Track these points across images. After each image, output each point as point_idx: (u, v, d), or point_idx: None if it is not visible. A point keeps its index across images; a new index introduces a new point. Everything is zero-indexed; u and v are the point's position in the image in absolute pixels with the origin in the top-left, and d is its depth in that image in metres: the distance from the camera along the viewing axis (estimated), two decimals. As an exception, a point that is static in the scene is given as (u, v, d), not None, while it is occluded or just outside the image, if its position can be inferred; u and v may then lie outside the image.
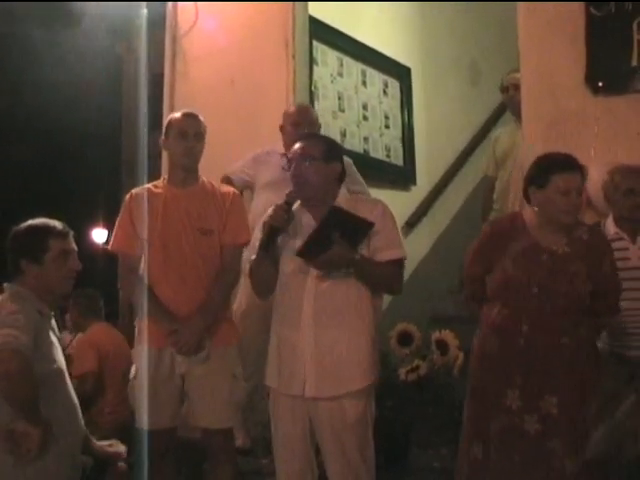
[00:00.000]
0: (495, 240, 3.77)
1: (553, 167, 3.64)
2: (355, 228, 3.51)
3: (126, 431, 4.48)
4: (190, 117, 4.17)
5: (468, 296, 3.95)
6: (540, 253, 3.64)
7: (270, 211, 3.61)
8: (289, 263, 3.62)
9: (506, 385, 3.60)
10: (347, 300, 3.57)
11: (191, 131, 4.12)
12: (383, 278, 3.64)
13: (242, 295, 4.85)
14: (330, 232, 3.43)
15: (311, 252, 3.49)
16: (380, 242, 3.59)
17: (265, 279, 3.71)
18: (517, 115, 5.74)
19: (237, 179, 5.16)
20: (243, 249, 4.10)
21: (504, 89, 6.15)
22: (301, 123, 5.07)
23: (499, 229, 3.83)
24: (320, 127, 5.25)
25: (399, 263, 3.67)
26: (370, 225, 3.51)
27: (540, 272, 3.61)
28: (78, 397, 5.46)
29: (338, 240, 3.42)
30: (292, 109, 5.25)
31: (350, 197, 3.79)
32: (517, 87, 5.64)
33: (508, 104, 6.24)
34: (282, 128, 5.18)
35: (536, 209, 3.67)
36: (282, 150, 4.85)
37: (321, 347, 3.53)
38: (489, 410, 3.65)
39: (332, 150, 3.70)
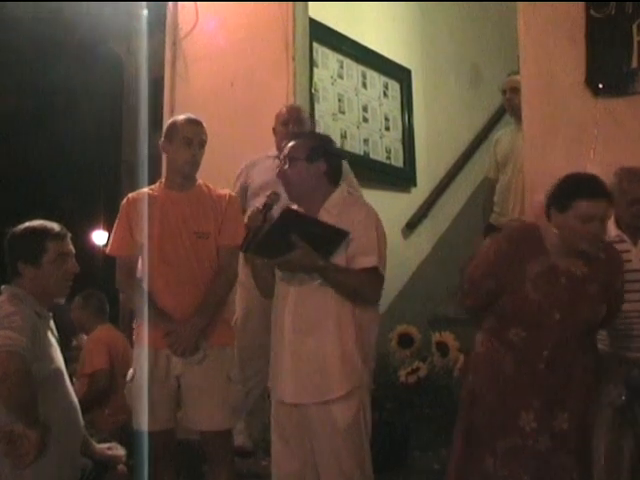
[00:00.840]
0: (511, 257, 3.53)
1: (577, 191, 3.40)
2: (325, 235, 3.46)
3: (125, 434, 4.48)
4: (194, 124, 4.16)
5: (469, 305, 3.76)
6: (559, 276, 3.47)
7: (248, 213, 3.61)
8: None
9: (520, 407, 3.46)
10: (325, 308, 3.51)
11: (196, 139, 4.12)
12: (355, 287, 3.51)
13: (239, 300, 4.87)
14: (285, 233, 3.39)
15: (267, 251, 3.50)
16: (355, 249, 3.49)
17: (262, 282, 3.71)
18: (516, 117, 5.75)
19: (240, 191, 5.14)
20: (239, 251, 4.11)
21: (504, 91, 6.16)
22: (289, 121, 5.12)
23: (516, 247, 3.56)
24: (313, 126, 5.27)
25: (374, 271, 3.51)
26: (344, 234, 3.46)
27: (561, 297, 3.44)
28: (90, 395, 5.47)
29: (299, 243, 3.38)
30: (282, 109, 5.28)
31: (344, 198, 3.71)
32: (515, 90, 5.67)
33: (507, 107, 6.24)
34: (274, 130, 5.23)
35: (556, 231, 3.47)
36: (275, 153, 4.91)
37: (299, 354, 3.51)
38: (497, 428, 3.51)
39: (316, 149, 3.65)
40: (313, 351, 3.49)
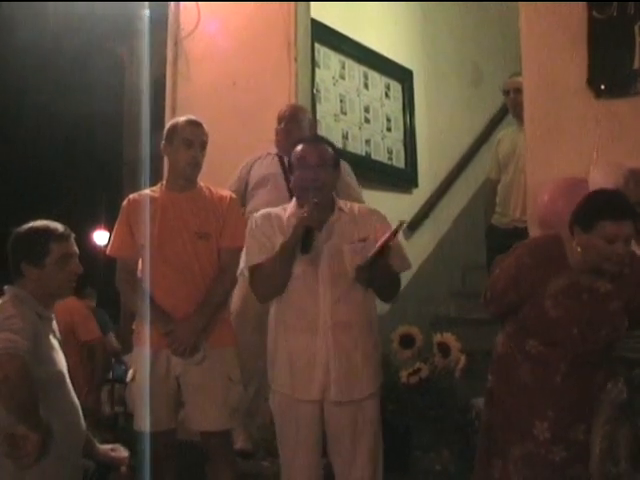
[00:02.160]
0: (533, 273, 3.48)
1: (601, 211, 3.34)
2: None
3: (127, 435, 4.48)
4: (195, 125, 4.17)
5: (492, 312, 3.72)
6: (581, 292, 3.42)
7: (305, 210, 3.59)
8: (297, 265, 3.64)
9: (535, 416, 3.46)
10: (359, 306, 3.66)
11: (196, 141, 4.13)
12: (392, 287, 3.77)
13: (236, 297, 4.86)
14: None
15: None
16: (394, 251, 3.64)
17: (282, 282, 3.69)
18: (519, 118, 5.75)
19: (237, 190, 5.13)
20: (240, 252, 4.10)
21: (506, 92, 6.16)
22: (284, 120, 5.18)
23: (538, 262, 3.51)
24: (314, 125, 5.28)
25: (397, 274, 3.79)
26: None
27: (581, 314, 3.40)
28: (89, 365, 5.42)
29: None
30: (282, 108, 5.34)
31: (347, 202, 3.89)
32: (518, 90, 5.64)
33: (510, 107, 6.24)
34: (276, 129, 5.28)
35: (579, 249, 3.41)
36: (275, 151, 5.13)
37: (340, 352, 3.59)
38: (512, 433, 3.52)
39: (336, 156, 3.83)
40: (353, 349, 3.61)
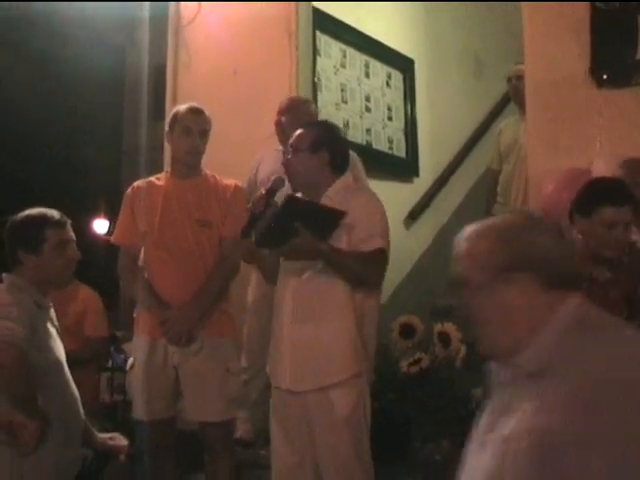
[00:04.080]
0: None
1: (602, 197, 3.39)
2: (324, 218, 3.47)
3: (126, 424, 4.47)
4: (195, 113, 4.15)
5: None
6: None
7: (252, 198, 3.62)
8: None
9: None
10: (324, 295, 3.52)
11: (196, 128, 4.11)
12: (359, 270, 3.51)
13: (252, 287, 4.86)
14: (290, 221, 3.38)
15: (272, 241, 3.48)
16: (359, 233, 3.50)
17: (265, 264, 3.73)
18: (521, 105, 5.75)
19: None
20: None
21: (508, 80, 6.16)
22: (282, 112, 5.10)
23: None
24: (315, 116, 5.21)
25: (379, 253, 3.52)
26: (341, 214, 3.46)
27: None
28: (87, 355, 5.38)
29: (302, 230, 3.37)
30: (282, 101, 5.26)
31: (347, 185, 3.72)
32: (520, 78, 5.68)
33: (512, 94, 6.23)
34: (275, 122, 5.20)
35: (580, 237, 3.43)
36: (278, 145, 5.00)
37: (297, 342, 3.52)
38: None
39: (319, 139, 3.66)
40: (311, 338, 3.50)
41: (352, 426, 3.47)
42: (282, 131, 5.04)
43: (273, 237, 3.46)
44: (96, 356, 5.56)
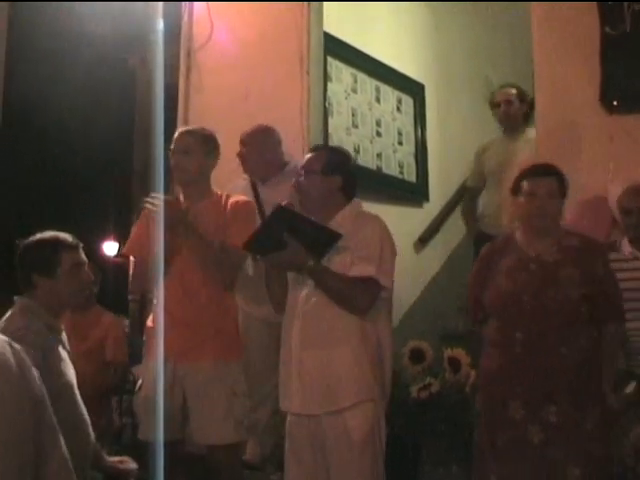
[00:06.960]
0: (488, 259, 3.84)
1: (524, 174, 3.78)
2: (316, 235, 3.47)
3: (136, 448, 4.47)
4: (180, 134, 4.25)
5: (471, 318, 3.97)
6: (529, 263, 3.69)
7: None
8: (290, 275, 3.65)
9: (508, 397, 3.59)
10: (333, 318, 3.50)
11: (177, 147, 4.17)
12: (344, 293, 3.49)
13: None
14: (278, 230, 3.42)
15: (259, 248, 3.58)
16: (354, 257, 3.48)
17: (271, 293, 3.75)
18: (511, 129, 5.99)
19: None
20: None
21: (496, 104, 6.10)
22: (242, 140, 5.15)
23: (492, 248, 3.90)
24: (269, 144, 5.18)
25: (370, 282, 3.47)
26: (335, 235, 3.46)
27: (529, 281, 3.65)
28: (105, 385, 5.38)
29: (291, 242, 3.40)
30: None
31: (357, 212, 3.70)
32: (508, 102, 5.90)
33: (502, 118, 6.12)
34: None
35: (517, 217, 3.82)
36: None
37: (307, 367, 3.50)
38: (495, 424, 3.64)
39: (333, 163, 3.67)
40: (321, 363, 3.48)
41: (366, 450, 3.44)
42: (243, 161, 5.08)
43: (260, 244, 3.51)
44: (118, 383, 5.60)
